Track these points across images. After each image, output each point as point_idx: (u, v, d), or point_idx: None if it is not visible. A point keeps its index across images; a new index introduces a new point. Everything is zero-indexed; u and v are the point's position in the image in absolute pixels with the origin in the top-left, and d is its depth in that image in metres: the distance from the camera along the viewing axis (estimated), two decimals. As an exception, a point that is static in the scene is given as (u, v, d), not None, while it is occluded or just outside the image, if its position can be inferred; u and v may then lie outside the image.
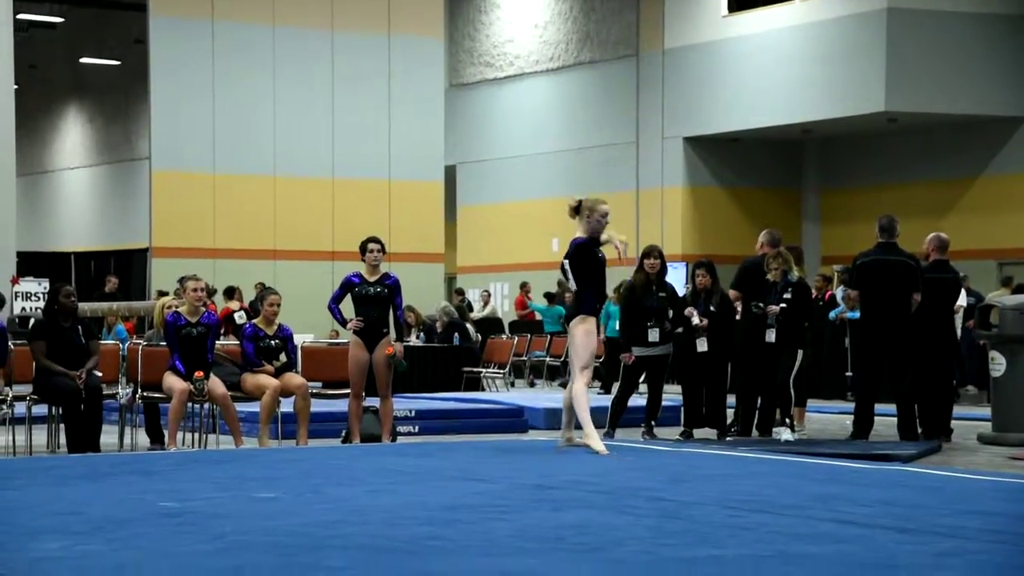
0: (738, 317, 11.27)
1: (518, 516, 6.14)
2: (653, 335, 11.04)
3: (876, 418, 11.00)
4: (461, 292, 23.55)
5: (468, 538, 5.52)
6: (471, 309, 22.70)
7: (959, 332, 15.92)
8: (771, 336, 10.80)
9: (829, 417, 13.90)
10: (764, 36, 23.13)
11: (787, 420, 10.82)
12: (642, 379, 11.47)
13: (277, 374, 10.61)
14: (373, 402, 10.80)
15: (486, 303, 24.19)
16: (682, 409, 11.44)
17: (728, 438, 11.07)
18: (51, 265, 27.25)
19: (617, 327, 16.27)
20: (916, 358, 10.86)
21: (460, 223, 27.91)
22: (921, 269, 10.95)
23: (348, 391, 10.69)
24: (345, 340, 11.03)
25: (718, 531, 5.71)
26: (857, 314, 11.93)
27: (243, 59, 20.81)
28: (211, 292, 14.83)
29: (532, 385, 19.75)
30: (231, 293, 17.62)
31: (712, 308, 11.15)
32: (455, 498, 6.72)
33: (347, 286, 10.57)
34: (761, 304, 10.86)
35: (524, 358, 19.51)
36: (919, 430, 10.88)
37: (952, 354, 11.71)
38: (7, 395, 10.29)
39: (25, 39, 29.71)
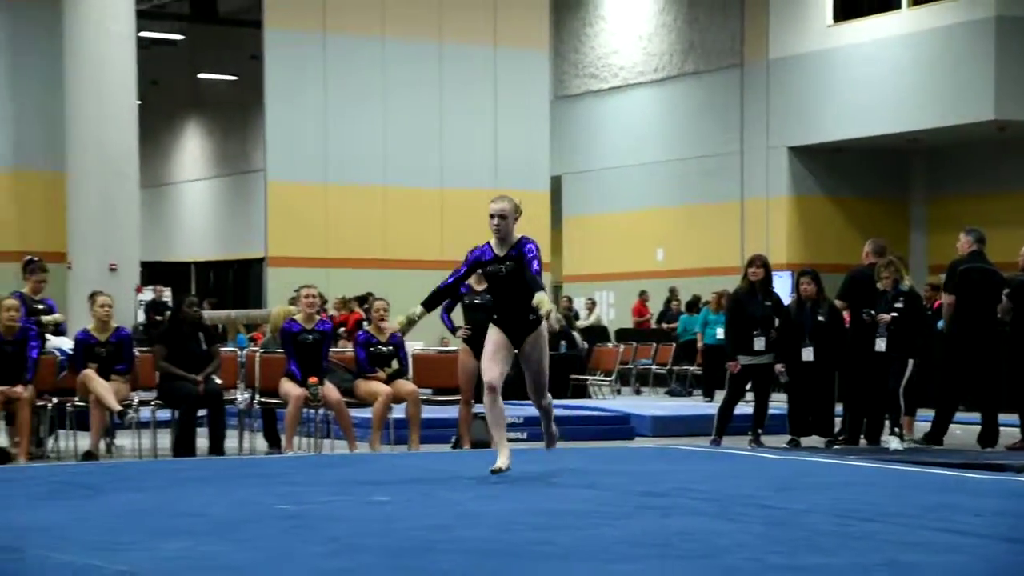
0: (846, 326, 11.14)
1: (626, 522, 6.12)
2: (759, 343, 10.97)
3: (968, 427, 10.90)
4: (569, 300, 23.58)
5: (577, 543, 5.52)
6: (577, 317, 22.70)
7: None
8: (881, 345, 10.65)
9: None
10: (870, 45, 22.80)
11: (896, 429, 10.66)
12: (748, 387, 11.38)
13: (389, 381, 10.71)
14: (482, 409, 10.83)
15: (591, 311, 24.16)
16: (788, 417, 11.32)
17: (836, 447, 10.93)
18: (173, 275, 27.80)
19: (717, 335, 16.33)
20: (1015, 369, 10.78)
21: (566, 232, 27.92)
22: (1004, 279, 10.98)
23: (458, 398, 10.75)
24: (455, 348, 11.09)
25: (827, 539, 5.63)
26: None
27: (354, 71, 21.06)
28: (324, 301, 15.05)
29: (638, 393, 19.67)
30: (364, 301, 17.79)
31: (820, 317, 11.03)
32: (563, 504, 6.72)
33: (458, 296, 10.63)
34: (872, 312, 10.72)
35: (631, 366, 19.46)
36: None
37: None
38: (132, 400, 10.53)
39: (147, 56, 30.38)
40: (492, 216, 7.96)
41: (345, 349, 12.60)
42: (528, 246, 7.89)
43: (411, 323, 7.87)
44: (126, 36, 18.47)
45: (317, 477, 8.14)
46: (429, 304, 7.92)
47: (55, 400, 10.51)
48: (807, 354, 10.97)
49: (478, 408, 10.86)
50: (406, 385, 10.76)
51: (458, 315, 10.71)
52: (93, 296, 10.87)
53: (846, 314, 11.15)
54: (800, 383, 11.10)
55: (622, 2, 27.00)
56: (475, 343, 10.52)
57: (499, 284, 7.89)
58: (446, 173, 21.55)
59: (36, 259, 11.89)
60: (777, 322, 11.05)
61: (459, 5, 21.85)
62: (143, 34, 21.16)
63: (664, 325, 22.57)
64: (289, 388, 10.45)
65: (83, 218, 18.22)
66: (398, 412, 10.78)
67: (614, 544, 5.50)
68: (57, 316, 11.42)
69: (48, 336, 11.07)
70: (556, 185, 25.26)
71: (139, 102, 18.98)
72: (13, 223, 18.83)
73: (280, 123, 20.75)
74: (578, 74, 27.81)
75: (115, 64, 18.28)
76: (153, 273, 23.63)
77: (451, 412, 11.07)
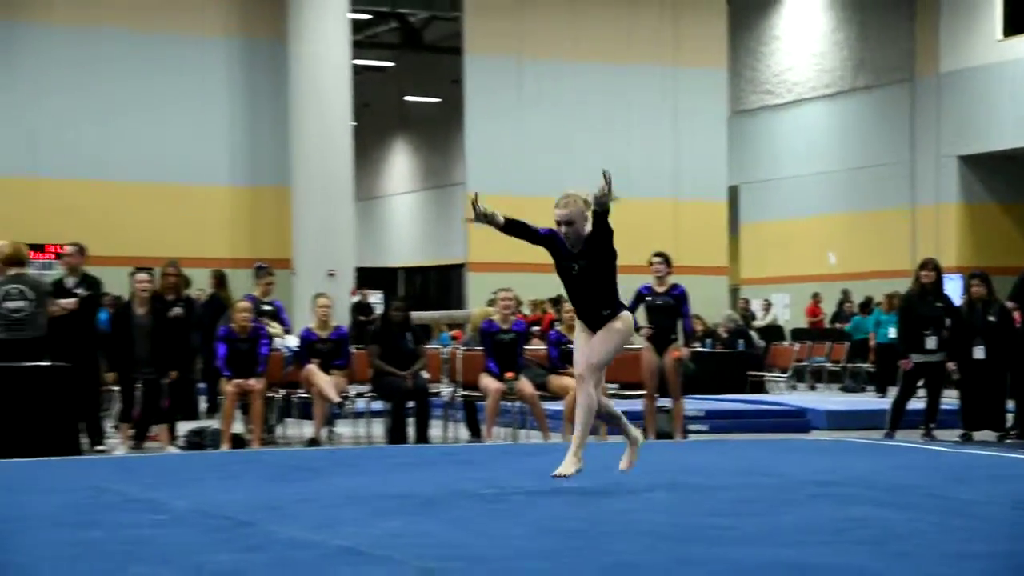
0: (1017, 326, 10.74)
1: (801, 509, 6.02)
2: (930, 342, 10.70)
3: None
4: (746, 301, 23.27)
5: (755, 528, 5.46)
6: (754, 318, 22.39)
7: None
8: (1051, 344, 10.24)
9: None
10: (1039, 58, 21.90)
11: (1067, 425, 10.23)
12: (920, 383, 11.08)
13: (578, 376, 10.74)
14: (666, 403, 10.81)
15: (767, 312, 23.81)
16: (960, 412, 10.97)
17: (1008, 441, 10.54)
18: (383, 279, 28.43)
19: (889, 334, 15.91)
20: None
21: (743, 239, 27.57)
22: None
23: (643, 392, 10.73)
24: (639, 346, 11.08)
25: (1004, 528, 5.44)
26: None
27: (546, 92, 21.25)
28: (519, 303, 15.16)
29: (813, 388, 19.29)
30: (556, 303, 17.87)
31: (991, 318, 10.67)
32: (741, 491, 6.65)
33: (639, 297, 10.63)
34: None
35: (806, 363, 19.12)
36: None
37: None
38: (350, 393, 10.83)
39: (360, 81, 31.20)
40: (559, 224, 6.87)
41: (539, 347, 12.70)
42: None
43: (485, 215, 6.84)
44: (342, 65, 19.02)
45: (515, 464, 8.23)
46: (509, 223, 6.99)
47: (283, 392, 10.89)
48: (979, 352, 10.65)
49: (662, 402, 10.83)
50: (595, 380, 10.77)
51: (641, 315, 10.70)
52: (316, 297, 11.23)
53: (1016, 314, 10.76)
54: (972, 380, 10.76)
55: (796, 21, 26.53)
56: (656, 341, 10.53)
57: (572, 281, 7.01)
58: (631, 184, 21.51)
59: (264, 265, 12.32)
60: (948, 322, 10.74)
61: (644, 28, 21.85)
62: (356, 62, 21.74)
63: (838, 325, 22.08)
64: (488, 382, 10.60)
65: (306, 228, 18.83)
66: (587, 405, 10.79)
67: (790, 530, 5.42)
68: (279, 331, 11.68)
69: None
70: (733, 194, 24.98)
71: (353, 124, 19.50)
72: (247, 233, 19.59)
73: (479, 140, 21.09)
74: (754, 90, 27.43)
75: (333, 91, 18.85)
76: (366, 278, 24.22)
77: (636, 405, 11.06)
